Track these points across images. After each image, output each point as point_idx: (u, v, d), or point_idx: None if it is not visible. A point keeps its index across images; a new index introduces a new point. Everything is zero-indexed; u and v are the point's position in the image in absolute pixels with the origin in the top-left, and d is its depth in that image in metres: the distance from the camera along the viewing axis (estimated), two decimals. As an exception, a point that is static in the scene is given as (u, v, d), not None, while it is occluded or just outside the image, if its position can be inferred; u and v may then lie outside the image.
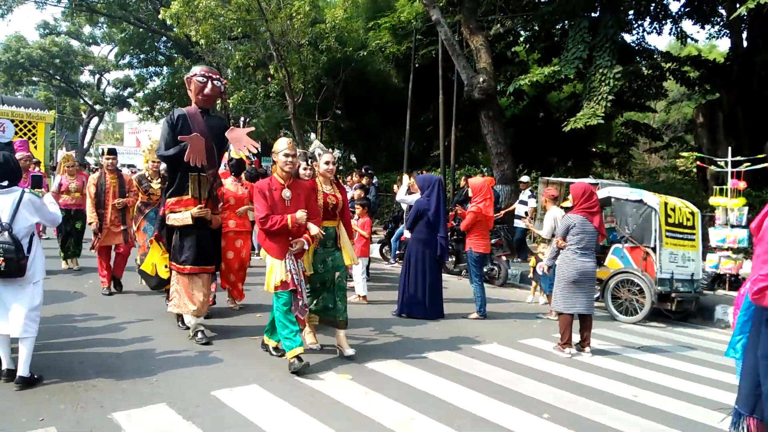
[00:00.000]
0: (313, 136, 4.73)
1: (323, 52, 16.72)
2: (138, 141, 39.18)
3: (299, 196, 4.55)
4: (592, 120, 11.56)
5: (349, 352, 4.80)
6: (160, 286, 5.73)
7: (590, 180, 9.38)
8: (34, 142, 14.61)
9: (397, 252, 10.46)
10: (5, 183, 3.73)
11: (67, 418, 3.37)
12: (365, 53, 17.21)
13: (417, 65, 15.38)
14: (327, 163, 4.88)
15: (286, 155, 4.49)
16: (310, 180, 4.91)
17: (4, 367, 3.80)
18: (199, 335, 5.06)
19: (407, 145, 14.90)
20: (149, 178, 6.95)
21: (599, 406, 4.06)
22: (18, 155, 6.39)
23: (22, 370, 3.72)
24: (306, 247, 4.52)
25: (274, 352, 4.73)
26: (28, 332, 3.71)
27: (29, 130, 14.03)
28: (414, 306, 6.59)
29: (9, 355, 3.83)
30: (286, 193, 4.50)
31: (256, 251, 7.13)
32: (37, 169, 8.26)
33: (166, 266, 5.35)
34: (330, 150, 5.06)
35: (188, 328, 5.24)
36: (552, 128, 16.22)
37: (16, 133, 13.05)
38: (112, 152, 7.58)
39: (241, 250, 6.22)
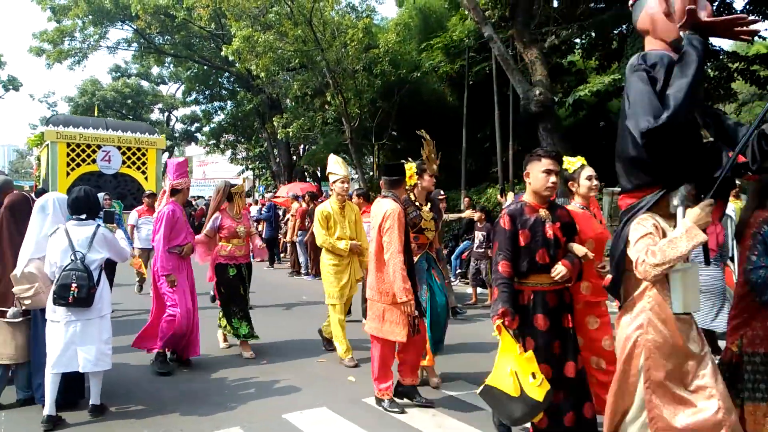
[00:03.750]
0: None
1: (377, 76, 17.01)
2: (204, 173, 41.03)
3: None
4: (658, 126, 11.15)
5: None
6: (529, 418, 2.88)
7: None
8: (144, 172, 12.24)
9: (458, 270, 10.39)
10: (83, 216, 3.90)
11: (150, 442, 3.54)
12: (419, 74, 17.36)
13: (471, 82, 15.38)
14: None
15: None
16: None
17: (46, 413, 3.68)
18: None
19: (464, 162, 14.84)
20: (417, 203, 4.50)
21: None
22: (176, 182, 5.16)
23: (94, 399, 3.91)
24: None
25: None
26: (100, 365, 3.81)
27: (138, 158, 11.96)
28: None
29: (54, 401, 3.70)
30: None
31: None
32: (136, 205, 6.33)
33: (534, 375, 2.77)
34: None
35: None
36: (614, 136, 15.60)
37: (124, 162, 11.80)
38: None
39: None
